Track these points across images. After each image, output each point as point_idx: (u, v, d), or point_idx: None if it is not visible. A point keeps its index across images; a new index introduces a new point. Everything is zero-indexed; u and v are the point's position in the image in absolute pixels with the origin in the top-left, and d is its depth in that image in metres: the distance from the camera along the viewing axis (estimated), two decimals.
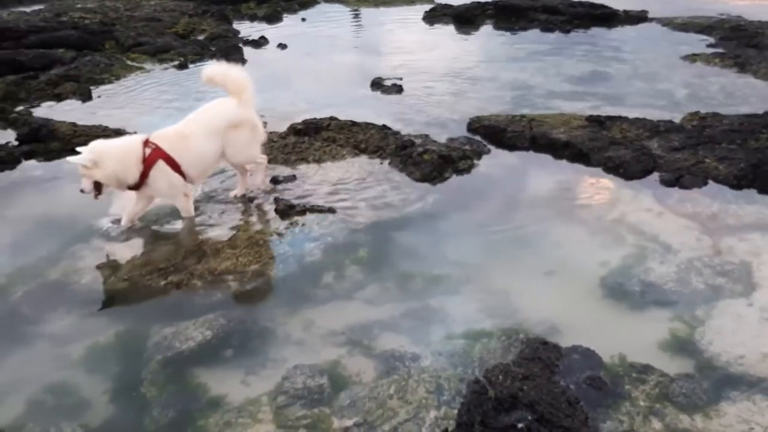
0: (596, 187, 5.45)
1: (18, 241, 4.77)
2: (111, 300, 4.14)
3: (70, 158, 4.47)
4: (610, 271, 4.28)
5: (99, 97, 7.81)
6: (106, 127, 6.57)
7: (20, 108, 7.41)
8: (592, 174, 5.65)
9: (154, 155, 4.59)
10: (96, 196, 4.60)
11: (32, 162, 6.08)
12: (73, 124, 6.57)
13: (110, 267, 4.43)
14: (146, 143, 4.62)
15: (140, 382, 3.40)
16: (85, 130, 6.44)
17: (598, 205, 5.15)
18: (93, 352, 3.69)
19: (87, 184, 4.51)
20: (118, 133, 6.36)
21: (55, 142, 6.30)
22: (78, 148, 4.49)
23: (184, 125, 4.81)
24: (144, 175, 4.59)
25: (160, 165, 4.60)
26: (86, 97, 7.74)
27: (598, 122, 6.36)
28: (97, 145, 4.54)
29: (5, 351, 3.72)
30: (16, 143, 6.36)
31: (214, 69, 5.07)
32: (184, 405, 3.26)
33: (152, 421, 3.17)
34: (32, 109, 7.39)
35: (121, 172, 4.53)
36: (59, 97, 7.75)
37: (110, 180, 4.54)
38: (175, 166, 4.66)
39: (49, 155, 6.07)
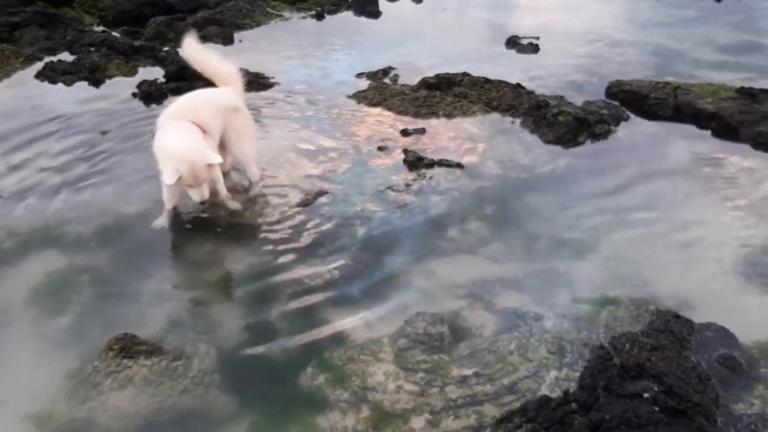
0: (742, 162, 5.11)
1: None
2: (246, 233, 4.32)
3: (177, 166, 3.81)
4: (752, 251, 4.03)
5: (240, 41, 8.11)
6: (247, 71, 6.78)
7: (168, 48, 7.80)
8: (739, 149, 5.31)
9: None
10: None
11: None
12: None
13: (246, 203, 4.60)
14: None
15: (270, 312, 3.57)
16: None
17: (743, 181, 4.84)
18: (228, 279, 3.91)
19: (206, 188, 4.04)
20: (258, 77, 6.61)
21: (200, 81, 6.58)
22: (167, 171, 3.86)
23: (190, 103, 4.50)
24: None
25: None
26: (228, 41, 8.05)
27: (750, 95, 5.93)
28: (182, 144, 3.98)
29: (150, 269, 3.98)
30: (164, 80, 6.73)
31: (203, 58, 4.82)
32: (310, 337, 3.39)
33: (281, 349, 3.32)
34: (179, 49, 7.75)
35: None
36: (204, 40, 7.97)
37: None
38: None
39: None
